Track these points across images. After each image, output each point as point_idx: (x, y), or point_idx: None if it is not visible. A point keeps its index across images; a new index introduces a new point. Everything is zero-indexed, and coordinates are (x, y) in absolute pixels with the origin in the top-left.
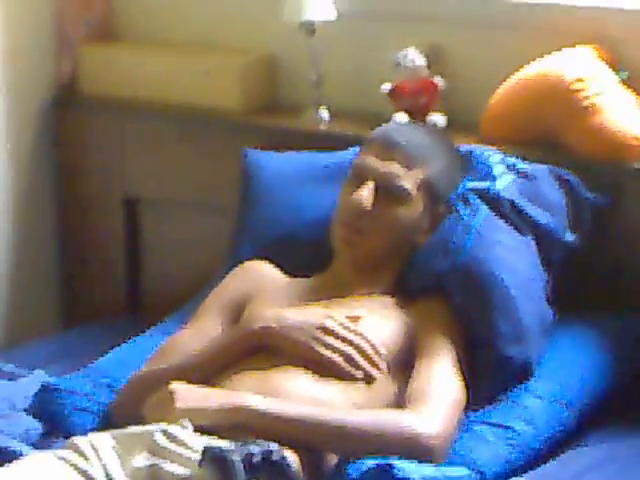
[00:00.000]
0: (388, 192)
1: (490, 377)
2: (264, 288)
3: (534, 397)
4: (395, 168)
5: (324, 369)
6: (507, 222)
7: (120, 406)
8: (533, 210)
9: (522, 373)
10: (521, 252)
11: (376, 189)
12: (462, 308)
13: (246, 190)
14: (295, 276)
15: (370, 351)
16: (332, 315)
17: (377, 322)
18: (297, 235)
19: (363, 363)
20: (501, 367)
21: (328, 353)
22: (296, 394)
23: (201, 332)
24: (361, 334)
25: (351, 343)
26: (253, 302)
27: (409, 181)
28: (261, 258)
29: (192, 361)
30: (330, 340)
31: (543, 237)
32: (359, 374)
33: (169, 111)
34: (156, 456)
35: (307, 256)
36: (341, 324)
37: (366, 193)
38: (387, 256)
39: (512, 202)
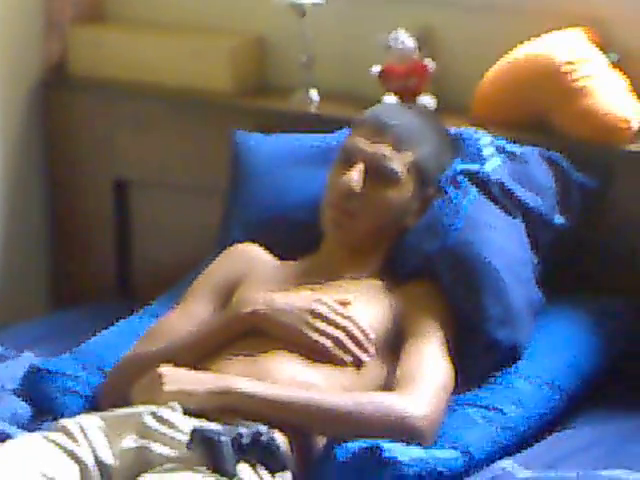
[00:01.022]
0: (377, 174)
1: (479, 360)
2: (253, 271)
3: (523, 379)
4: (384, 150)
5: (313, 353)
6: (496, 204)
7: (109, 388)
8: (522, 192)
9: (511, 356)
10: (510, 234)
11: (366, 171)
12: (451, 291)
13: (235, 172)
14: (284, 259)
15: (360, 335)
16: (322, 299)
17: (366, 306)
18: (286, 217)
19: (353, 347)
20: (490, 350)
21: (317, 337)
22: (285, 378)
23: (190, 315)
24: (351, 318)
25: (340, 327)
26: (242, 285)
27: (398, 163)
28: (250, 240)
29: (181, 344)
30: (320, 324)
31: (532, 219)
32: (348, 358)
33: (159, 93)
34: (145, 438)
35: (297, 238)
36: (331, 308)
37: (355, 175)
38: (376, 238)
39: (501, 184)
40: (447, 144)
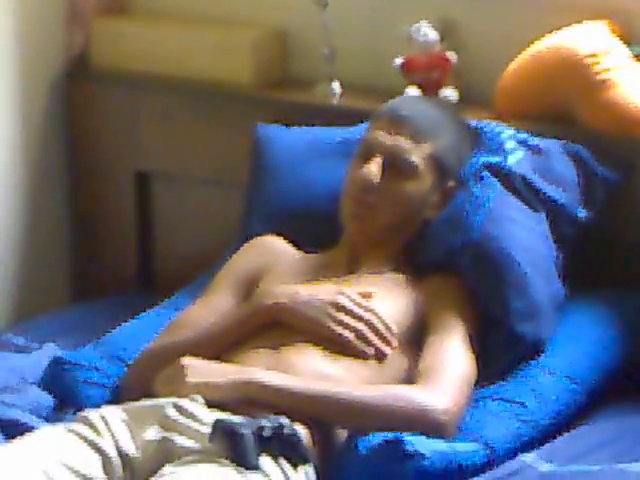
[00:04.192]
0: (396, 166)
1: (502, 354)
2: (275, 263)
3: (545, 373)
4: (403, 142)
5: (336, 346)
6: (519, 198)
7: (131, 380)
8: (545, 186)
9: (534, 350)
10: (533, 228)
11: (384, 164)
12: (474, 285)
13: (257, 165)
14: (306, 251)
15: (382, 328)
16: (344, 291)
17: (388, 299)
18: (308, 210)
19: (375, 340)
20: (513, 344)
21: (340, 330)
22: (307, 371)
23: (212, 307)
24: (373, 310)
25: (363, 320)
26: (264, 277)
27: (417, 155)
28: (272, 233)
29: (204, 336)
30: (342, 317)
31: (555, 213)
32: (371, 351)
33: (181, 85)
34: (167, 429)
35: (318, 231)
36: (353, 300)
37: (374, 168)
38: (396, 231)
39: (524, 177)
40: (467, 136)
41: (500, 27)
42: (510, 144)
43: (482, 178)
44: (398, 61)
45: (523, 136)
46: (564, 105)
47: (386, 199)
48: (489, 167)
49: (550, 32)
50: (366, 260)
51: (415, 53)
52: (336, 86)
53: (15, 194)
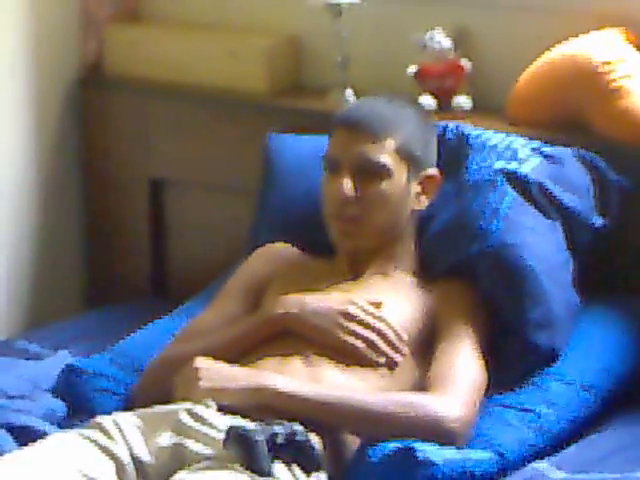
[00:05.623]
0: (366, 172)
1: (517, 363)
2: (285, 270)
3: (557, 381)
4: (365, 146)
5: (346, 355)
6: (535, 206)
7: (143, 388)
8: (561, 193)
9: (548, 359)
10: (549, 237)
11: (354, 173)
12: (490, 293)
13: (268, 173)
14: (315, 257)
15: (392, 336)
16: (354, 300)
17: (398, 306)
18: (318, 218)
19: (386, 349)
20: (529, 354)
21: (350, 339)
22: (318, 380)
23: (223, 314)
24: (383, 319)
25: (373, 329)
26: (274, 284)
27: (383, 154)
28: (282, 241)
29: (214, 345)
30: (352, 326)
31: (571, 221)
32: (381, 360)
33: (194, 92)
34: (181, 435)
35: (328, 239)
36: (363, 310)
37: (345, 181)
38: (390, 232)
39: (540, 185)
40: (424, 122)
41: (514, 35)
42: (524, 152)
43: (496, 185)
44: (412, 69)
45: (536, 144)
46: (578, 113)
47: (367, 207)
48: (505, 174)
49: (564, 40)
50: (369, 265)
51: (429, 61)
52: (349, 94)
53: (29, 201)
